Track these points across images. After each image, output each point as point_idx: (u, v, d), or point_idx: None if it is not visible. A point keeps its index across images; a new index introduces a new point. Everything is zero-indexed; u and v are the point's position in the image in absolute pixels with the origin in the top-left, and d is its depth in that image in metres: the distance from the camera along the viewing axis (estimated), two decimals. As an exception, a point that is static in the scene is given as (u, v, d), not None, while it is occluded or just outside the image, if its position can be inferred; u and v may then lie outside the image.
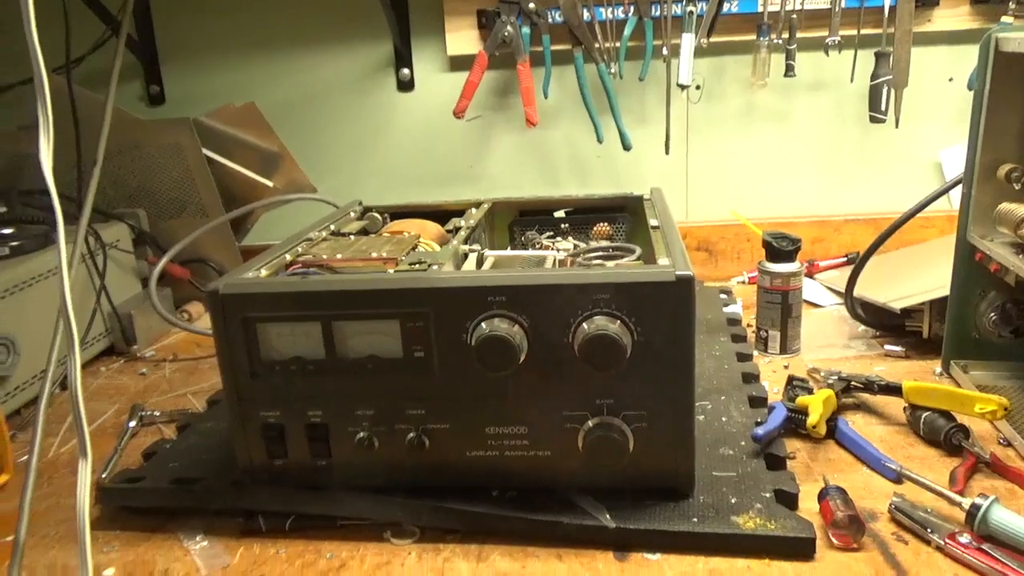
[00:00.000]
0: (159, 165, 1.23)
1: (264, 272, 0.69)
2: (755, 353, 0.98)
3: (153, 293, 1.11)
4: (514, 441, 0.64)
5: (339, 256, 0.74)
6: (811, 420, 0.73)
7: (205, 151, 1.22)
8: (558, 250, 0.85)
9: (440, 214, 0.93)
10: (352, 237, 0.84)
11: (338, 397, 0.65)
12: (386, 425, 0.65)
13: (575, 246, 0.90)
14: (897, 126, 1.23)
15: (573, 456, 0.64)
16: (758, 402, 0.80)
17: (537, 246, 0.92)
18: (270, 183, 1.28)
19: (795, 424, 0.76)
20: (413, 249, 0.77)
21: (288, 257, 0.74)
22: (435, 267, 0.68)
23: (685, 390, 0.62)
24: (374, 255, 0.73)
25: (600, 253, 0.81)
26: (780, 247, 0.96)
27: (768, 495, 0.63)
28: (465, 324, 0.62)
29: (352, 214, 0.95)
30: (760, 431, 0.70)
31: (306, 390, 0.65)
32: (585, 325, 0.60)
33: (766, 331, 0.98)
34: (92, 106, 1.07)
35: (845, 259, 1.29)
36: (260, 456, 0.67)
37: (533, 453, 0.65)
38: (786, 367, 0.95)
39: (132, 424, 0.87)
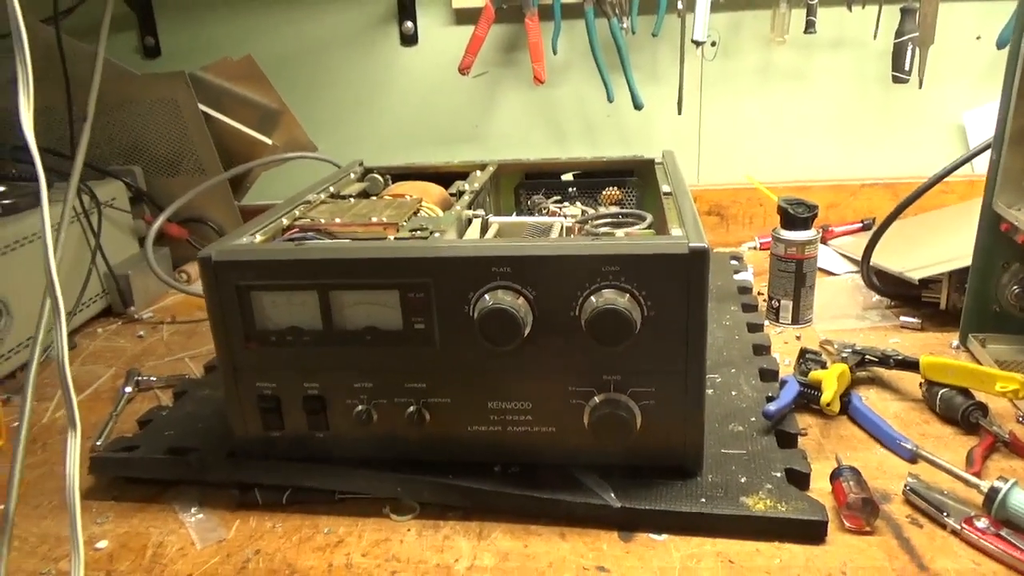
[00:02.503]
0: (154, 121, 1.19)
1: (260, 237, 0.66)
2: (766, 323, 0.95)
3: (149, 253, 1.08)
4: (517, 416, 0.62)
5: (338, 220, 0.71)
6: (825, 398, 0.71)
7: (201, 107, 1.18)
8: (565, 216, 0.82)
9: (444, 176, 0.90)
10: (352, 200, 0.81)
11: (336, 369, 0.63)
12: (385, 398, 0.63)
13: (583, 212, 0.86)
14: (921, 86, 1.18)
15: (578, 433, 0.61)
16: (769, 375, 0.78)
17: (544, 211, 0.89)
18: (269, 141, 1.24)
19: (807, 399, 0.73)
20: (415, 214, 0.74)
21: (285, 221, 0.72)
22: (437, 234, 0.65)
23: (696, 367, 0.59)
24: (374, 220, 0.70)
25: (609, 220, 0.78)
26: (796, 214, 0.92)
27: (779, 475, 0.61)
28: (468, 295, 0.59)
29: (352, 175, 0.91)
30: (772, 408, 0.68)
31: (303, 361, 0.63)
32: (593, 298, 0.57)
33: (778, 300, 0.95)
34: (84, 59, 1.03)
35: (861, 225, 1.26)
36: (256, 428, 0.65)
37: (537, 429, 0.62)
38: (798, 338, 0.92)
39: (128, 389, 0.85)
